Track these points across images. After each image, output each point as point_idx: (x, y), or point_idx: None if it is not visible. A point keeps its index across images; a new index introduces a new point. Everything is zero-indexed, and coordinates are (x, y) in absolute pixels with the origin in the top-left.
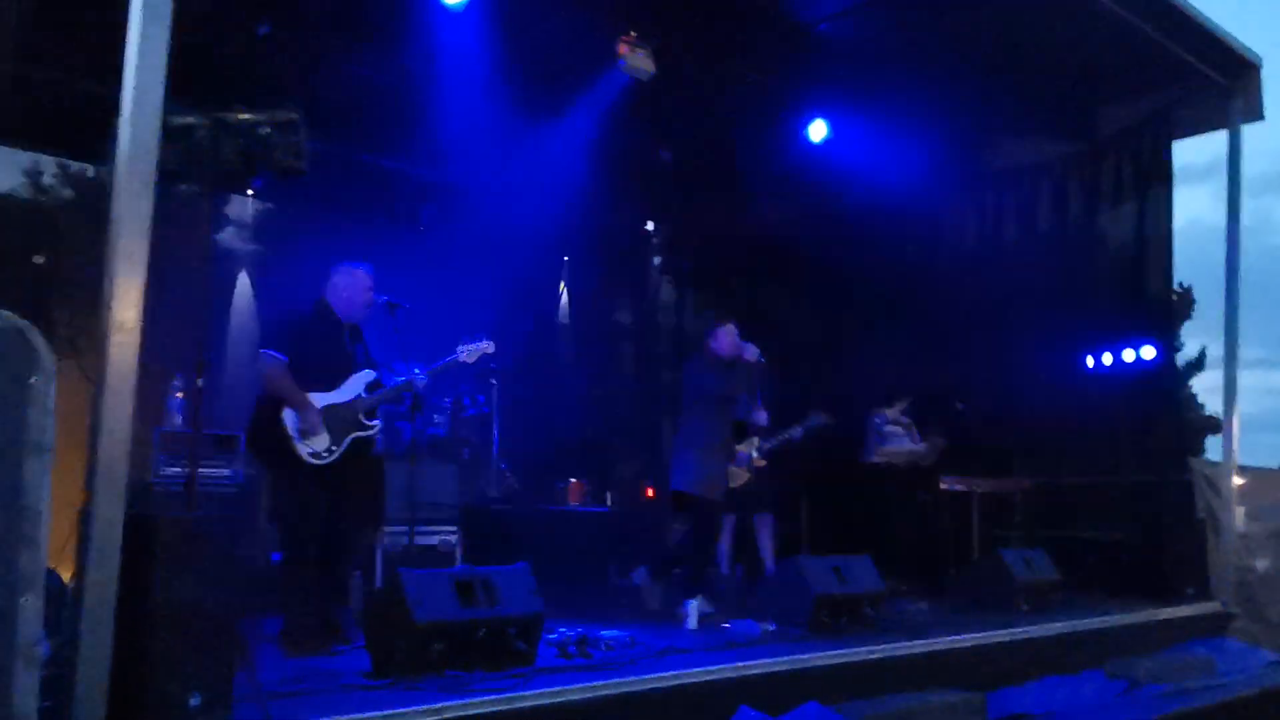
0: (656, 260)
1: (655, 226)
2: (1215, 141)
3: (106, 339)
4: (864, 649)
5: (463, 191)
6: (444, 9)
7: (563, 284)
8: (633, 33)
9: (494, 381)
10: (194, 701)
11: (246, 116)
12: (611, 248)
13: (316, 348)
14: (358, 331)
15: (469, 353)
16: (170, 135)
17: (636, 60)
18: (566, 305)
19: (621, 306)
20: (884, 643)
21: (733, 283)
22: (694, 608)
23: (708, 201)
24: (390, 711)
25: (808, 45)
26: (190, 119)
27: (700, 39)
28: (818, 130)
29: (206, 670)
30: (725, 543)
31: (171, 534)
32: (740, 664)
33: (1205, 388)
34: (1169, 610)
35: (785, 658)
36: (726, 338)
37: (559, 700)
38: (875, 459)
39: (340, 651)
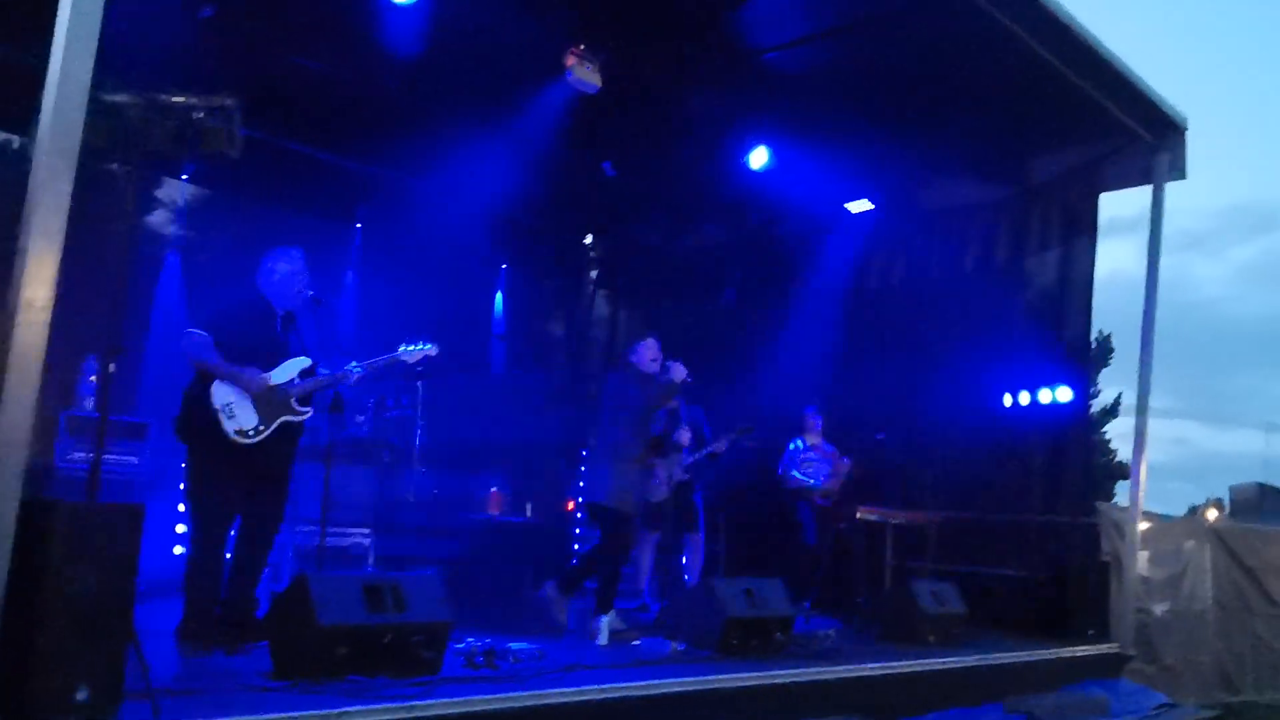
0: (593, 274)
1: (594, 240)
2: (1143, 196)
3: (14, 317)
4: (771, 673)
5: (401, 191)
6: (393, 5)
7: (499, 291)
8: (582, 45)
9: (419, 384)
10: (80, 695)
11: (180, 99)
12: (549, 258)
13: (247, 330)
14: (292, 319)
15: (411, 353)
16: (99, 112)
17: (584, 73)
18: (501, 312)
19: (555, 317)
20: (791, 668)
21: (666, 301)
22: (605, 624)
23: (647, 219)
24: (287, 714)
25: (753, 73)
26: (121, 97)
27: (648, 58)
28: (759, 157)
29: (96, 663)
30: (648, 560)
31: (68, 520)
32: (647, 683)
33: (1118, 434)
34: (1069, 649)
35: (692, 678)
36: (647, 352)
37: (461, 710)
38: (793, 484)
39: (248, 650)
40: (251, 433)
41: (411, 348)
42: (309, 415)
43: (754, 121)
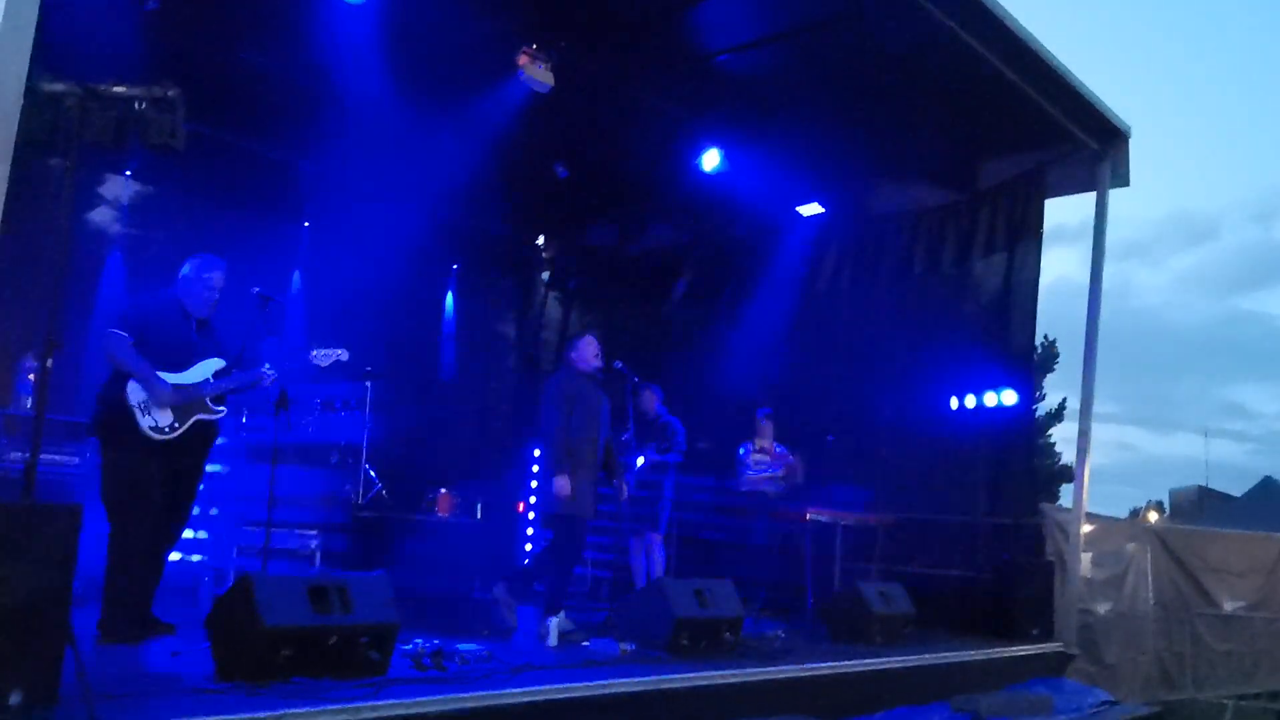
0: (545, 275)
1: (545, 241)
2: (1086, 205)
3: None
4: (720, 673)
5: (352, 190)
6: (345, 3)
7: (450, 292)
8: (534, 45)
9: (369, 385)
10: (14, 699)
11: (121, 90)
12: (501, 259)
13: (162, 331)
14: (207, 325)
15: (322, 357)
16: (36, 103)
17: (536, 73)
18: (452, 313)
19: (506, 319)
20: (740, 668)
21: (618, 302)
22: (554, 625)
23: (599, 220)
24: (229, 717)
25: (706, 75)
26: (60, 87)
27: (601, 58)
28: (711, 159)
29: (31, 666)
30: (641, 561)
31: (3, 520)
32: (596, 683)
33: (1063, 437)
34: (1013, 649)
35: (642, 678)
36: (587, 349)
37: (408, 712)
38: (743, 486)
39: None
40: (167, 429)
41: (323, 351)
42: (223, 414)
43: (706, 124)
